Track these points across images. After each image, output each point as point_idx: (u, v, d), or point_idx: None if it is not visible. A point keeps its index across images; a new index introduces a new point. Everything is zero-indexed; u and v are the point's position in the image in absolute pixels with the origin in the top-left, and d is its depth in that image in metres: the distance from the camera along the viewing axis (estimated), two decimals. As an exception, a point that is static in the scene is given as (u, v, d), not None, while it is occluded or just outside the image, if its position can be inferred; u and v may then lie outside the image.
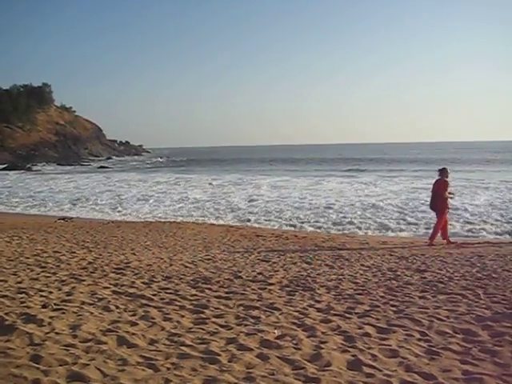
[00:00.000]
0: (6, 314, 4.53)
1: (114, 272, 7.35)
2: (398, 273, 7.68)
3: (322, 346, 4.00)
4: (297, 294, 6.09)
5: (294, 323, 4.70)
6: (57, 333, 4.09)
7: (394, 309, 5.29)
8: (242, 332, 4.35)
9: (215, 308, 5.27)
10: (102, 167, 70.16)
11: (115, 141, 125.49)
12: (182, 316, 4.90)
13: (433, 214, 12.90)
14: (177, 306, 5.32)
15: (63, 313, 4.74)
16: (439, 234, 12.12)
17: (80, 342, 3.91)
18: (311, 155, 78.83)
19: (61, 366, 3.36)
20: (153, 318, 4.72)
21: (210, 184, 34.04)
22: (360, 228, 16.30)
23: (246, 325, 4.62)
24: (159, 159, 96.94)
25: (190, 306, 5.30)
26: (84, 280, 6.57)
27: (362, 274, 7.58)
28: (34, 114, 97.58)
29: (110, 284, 6.38)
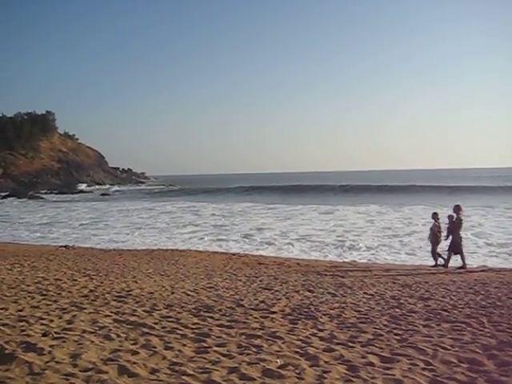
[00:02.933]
0: (5, 342, 4.50)
1: (115, 300, 7.30)
2: (402, 301, 7.62)
3: (325, 375, 3.95)
4: (299, 322, 6.04)
5: (297, 352, 4.65)
6: (57, 362, 4.05)
7: (397, 337, 5.24)
8: (244, 361, 4.30)
9: (217, 337, 5.22)
10: (104, 195, 70.59)
11: (117, 168, 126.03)
12: (184, 345, 4.85)
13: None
14: (178, 334, 5.27)
15: (64, 341, 4.70)
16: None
17: (80, 371, 3.86)
18: (316, 183, 77.16)
19: (61, 395, 3.32)
20: (154, 347, 4.67)
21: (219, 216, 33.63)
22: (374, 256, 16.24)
23: (248, 354, 4.57)
24: (163, 187, 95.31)
25: (192, 335, 5.25)
26: (85, 308, 6.52)
27: (365, 302, 7.52)
28: (37, 141, 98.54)
29: (112, 312, 6.33)
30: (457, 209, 13.36)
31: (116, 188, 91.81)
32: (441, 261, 13.36)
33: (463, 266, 12.77)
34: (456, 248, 13.02)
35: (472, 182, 71.74)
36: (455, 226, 13.15)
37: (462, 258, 12.96)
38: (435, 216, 13.78)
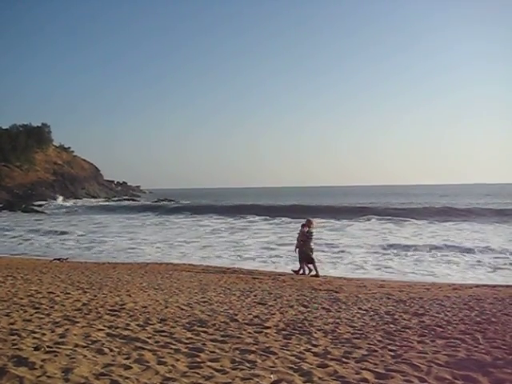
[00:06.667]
0: (-3, 356, 4.45)
1: (108, 314, 7.25)
2: (396, 316, 7.60)
3: (320, 391, 3.92)
4: (293, 337, 6.01)
5: (291, 368, 4.62)
6: (48, 376, 4.01)
7: (391, 353, 5.22)
8: (237, 376, 4.27)
9: (211, 352, 5.19)
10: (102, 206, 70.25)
11: (112, 181, 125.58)
12: (177, 360, 4.81)
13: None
14: (172, 349, 5.24)
15: (56, 355, 4.65)
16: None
17: (72, 386, 3.82)
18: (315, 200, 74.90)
19: (52, 411, 3.28)
20: (147, 362, 4.64)
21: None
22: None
23: (241, 369, 4.54)
24: (162, 202, 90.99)
25: (185, 350, 5.21)
26: (78, 322, 6.47)
27: (359, 318, 7.50)
28: (32, 153, 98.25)
29: (105, 326, 6.29)
30: (308, 223, 15.17)
31: (111, 200, 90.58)
32: (310, 267, 14.67)
33: (317, 275, 14.22)
34: (307, 258, 14.65)
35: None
36: (305, 237, 14.84)
37: (314, 267, 14.51)
38: (303, 226, 15.18)
